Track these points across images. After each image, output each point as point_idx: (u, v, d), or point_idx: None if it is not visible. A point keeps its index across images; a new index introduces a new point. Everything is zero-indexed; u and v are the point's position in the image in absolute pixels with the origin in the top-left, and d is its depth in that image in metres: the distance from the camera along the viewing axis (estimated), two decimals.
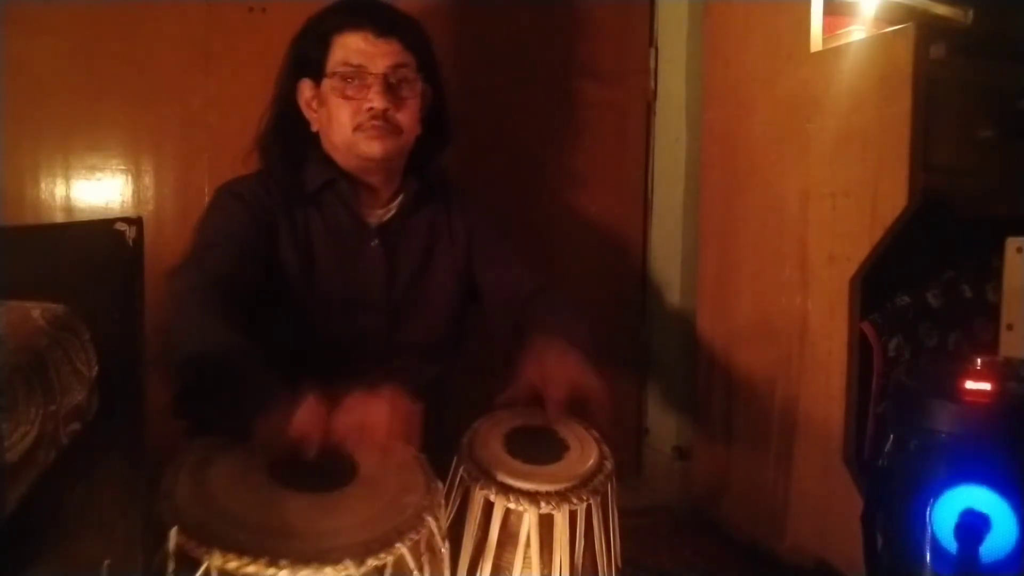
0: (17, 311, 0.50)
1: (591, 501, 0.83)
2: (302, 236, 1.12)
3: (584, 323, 1.12)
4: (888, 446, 0.92)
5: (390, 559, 0.62)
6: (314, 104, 1.14)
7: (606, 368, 0.98)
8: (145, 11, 1.44)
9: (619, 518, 0.89)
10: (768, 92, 1.45)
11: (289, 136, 1.16)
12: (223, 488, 0.65)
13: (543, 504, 0.80)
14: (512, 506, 0.80)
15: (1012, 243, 1.12)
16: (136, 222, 0.56)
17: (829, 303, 1.30)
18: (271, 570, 0.57)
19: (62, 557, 0.51)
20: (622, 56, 1.76)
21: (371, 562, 0.61)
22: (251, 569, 0.57)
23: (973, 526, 0.81)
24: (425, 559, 0.67)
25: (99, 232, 0.56)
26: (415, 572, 0.64)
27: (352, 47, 1.09)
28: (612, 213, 1.78)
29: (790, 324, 1.39)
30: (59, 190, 1.44)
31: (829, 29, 1.34)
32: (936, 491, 0.84)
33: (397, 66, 1.10)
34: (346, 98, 1.09)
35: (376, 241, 1.16)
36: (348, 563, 0.59)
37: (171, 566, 0.58)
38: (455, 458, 0.87)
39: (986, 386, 0.85)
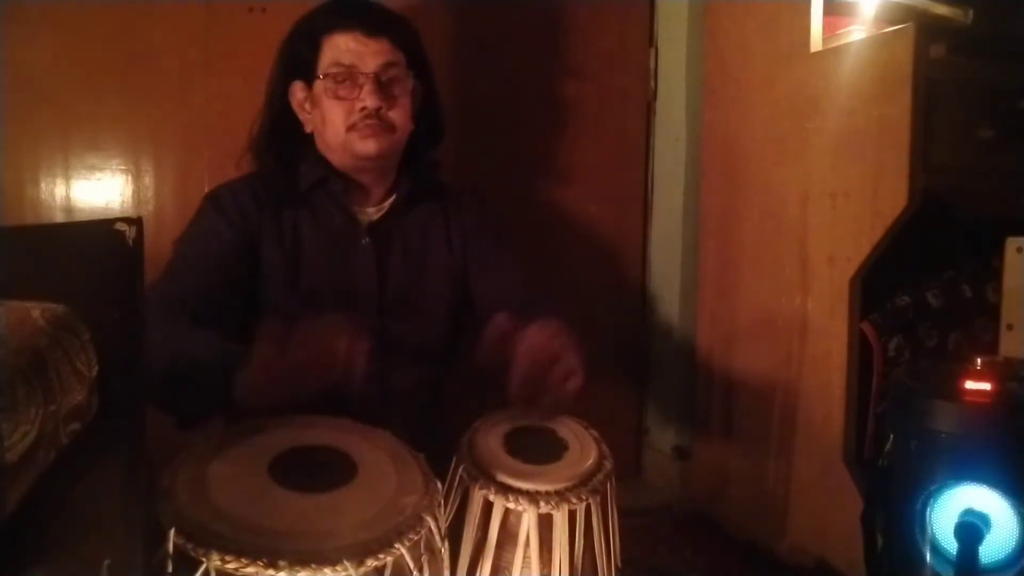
0: (17, 311, 0.50)
1: (590, 501, 0.83)
2: (289, 235, 1.13)
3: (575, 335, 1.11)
4: (888, 446, 0.92)
5: (389, 559, 0.62)
6: (307, 106, 1.15)
7: (603, 379, 0.97)
8: (145, 11, 1.44)
9: (619, 518, 0.89)
10: (768, 92, 1.45)
11: (283, 138, 1.17)
12: (222, 488, 0.65)
13: (542, 504, 0.80)
14: (511, 506, 0.80)
15: (1012, 243, 1.12)
16: (136, 222, 0.56)
17: (829, 303, 1.30)
18: (270, 571, 0.57)
19: (62, 557, 0.51)
20: (622, 56, 1.76)
21: (370, 562, 0.61)
22: (250, 570, 0.57)
23: (973, 526, 0.81)
24: (424, 559, 0.67)
25: (99, 232, 0.56)
26: (414, 572, 0.64)
27: (342, 47, 1.09)
28: (612, 213, 1.78)
29: (790, 324, 1.39)
30: (59, 190, 1.44)
31: (829, 29, 1.34)
32: (936, 491, 0.84)
33: (388, 65, 1.10)
34: (338, 98, 1.10)
35: (367, 239, 1.16)
36: (347, 563, 0.59)
37: (170, 567, 0.58)
38: (454, 458, 0.87)
39: (986, 386, 0.85)
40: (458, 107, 1.28)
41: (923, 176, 1.17)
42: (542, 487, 0.81)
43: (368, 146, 1.10)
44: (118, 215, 0.95)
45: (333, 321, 0.83)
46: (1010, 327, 1.12)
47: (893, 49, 1.19)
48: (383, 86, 1.10)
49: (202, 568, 0.58)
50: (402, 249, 1.19)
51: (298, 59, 1.14)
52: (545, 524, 0.81)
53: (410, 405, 1.16)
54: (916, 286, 1.36)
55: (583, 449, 0.89)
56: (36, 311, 0.51)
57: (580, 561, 0.83)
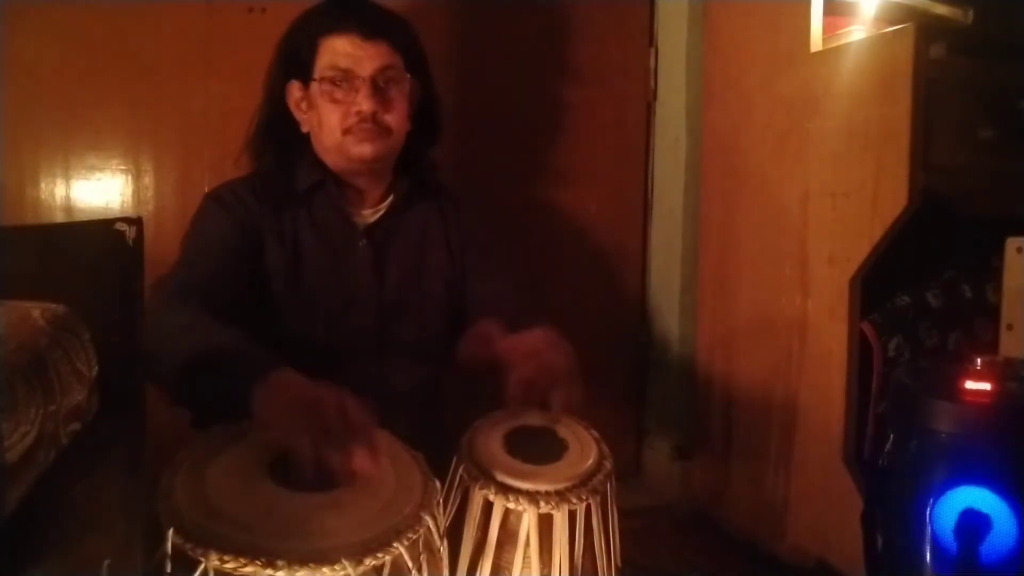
0: (17, 311, 0.51)
1: (590, 501, 0.83)
2: (289, 237, 1.13)
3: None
4: (888, 446, 0.92)
5: (388, 559, 0.62)
6: (303, 106, 1.14)
7: (603, 380, 0.97)
8: (145, 11, 1.44)
9: (619, 518, 0.89)
10: (768, 92, 1.45)
11: (279, 138, 1.16)
12: (221, 488, 0.65)
13: (542, 504, 0.80)
14: (511, 506, 0.80)
15: (1012, 243, 1.12)
16: (136, 222, 0.56)
17: (829, 303, 1.30)
18: (268, 570, 0.57)
19: (62, 557, 0.51)
20: (622, 56, 1.76)
21: (369, 562, 0.61)
22: (248, 570, 0.57)
23: (973, 526, 0.81)
24: (423, 559, 0.67)
25: (99, 232, 0.56)
26: (413, 572, 0.64)
27: (339, 51, 1.09)
28: (612, 213, 1.78)
29: (790, 324, 1.39)
30: (59, 190, 1.44)
31: (829, 29, 1.34)
32: (936, 491, 0.84)
33: (385, 68, 1.10)
34: (335, 102, 1.09)
35: (364, 241, 1.16)
36: (345, 563, 0.59)
37: (169, 567, 0.58)
38: (454, 458, 0.87)
39: (986, 386, 0.85)
40: (457, 107, 1.28)
41: (923, 176, 1.17)
42: (542, 487, 0.81)
43: (364, 150, 1.10)
44: (118, 215, 0.95)
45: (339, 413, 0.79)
46: (1010, 327, 1.12)
47: (893, 49, 1.19)
48: (380, 90, 1.10)
49: (201, 568, 0.58)
50: (399, 251, 1.19)
51: (295, 59, 1.13)
52: (545, 524, 0.81)
53: (409, 405, 1.16)
54: (916, 286, 1.36)
55: (583, 449, 0.89)
56: (36, 311, 0.51)
57: (580, 561, 0.83)
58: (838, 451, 1.27)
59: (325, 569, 0.58)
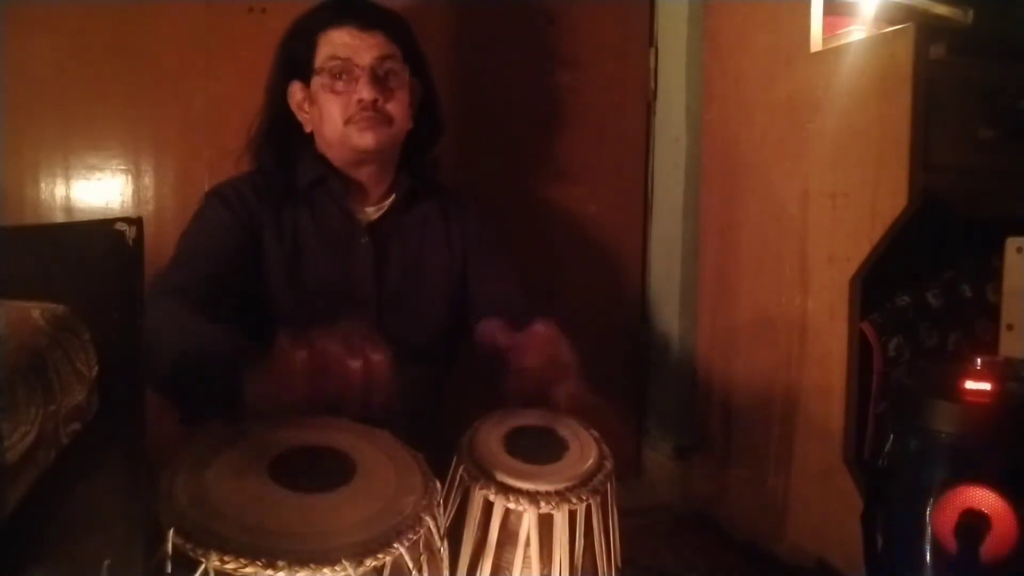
0: (17, 311, 0.50)
1: (591, 501, 0.83)
2: (289, 233, 1.13)
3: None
4: (888, 446, 0.92)
5: (388, 559, 0.62)
6: (306, 106, 1.15)
7: (603, 380, 0.97)
8: (145, 11, 1.44)
9: (619, 518, 0.88)
10: (768, 92, 1.45)
11: (282, 138, 1.17)
12: (221, 488, 0.65)
13: (543, 504, 0.80)
14: (512, 506, 0.80)
15: (1012, 243, 1.12)
16: (136, 222, 0.56)
17: (829, 303, 1.30)
18: (268, 571, 0.57)
19: (62, 557, 0.51)
20: (622, 56, 1.76)
21: (369, 562, 0.61)
22: (249, 570, 0.57)
23: (973, 526, 0.81)
24: (423, 559, 0.67)
25: (99, 232, 0.56)
26: (413, 572, 0.64)
27: (337, 42, 1.10)
28: (612, 213, 1.78)
29: (790, 324, 1.39)
30: (59, 190, 1.44)
31: (829, 29, 1.34)
32: (936, 491, 0.84)
33: (383, 57, 1.11)
34: (335, 93, 1.10)
35: (365, 238, 1.16)
36: (346, 563, 0.59)
37: (169, 567, 0.58)
38: (454, 458, 0.87)
39: (986, 386, 0.85)
40: (457, 107, 1.28)
41: (923, 176, 1.17)
42: (542, 487, 0.81)
43: (366, 138, 1.11)
44: (118, 215, 0.95)
45: (350, 335, 0.82)
46: (1010, 327, 1.12)
47: (893, 49, 1.19)
48: (379, 79, 1.11)
49: (201, 568, 0.58)
50: (400, 249, 1.19)
51: (295, 58, 1.14)
52: (545, 524, 0.81)
53: (409, 405, 1.16)
54: (916, 286, 1.36)
55: (583, 449, 0.89)
56: (36, 311, 0.51)
57: (580, 561, 0.83)
58: (838, 451, 1.27)
59: (326, 569, 0.58)
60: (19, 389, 0.45)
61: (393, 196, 1.19)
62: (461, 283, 1.24)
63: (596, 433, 0.94)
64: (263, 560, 0.58)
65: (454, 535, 0.82)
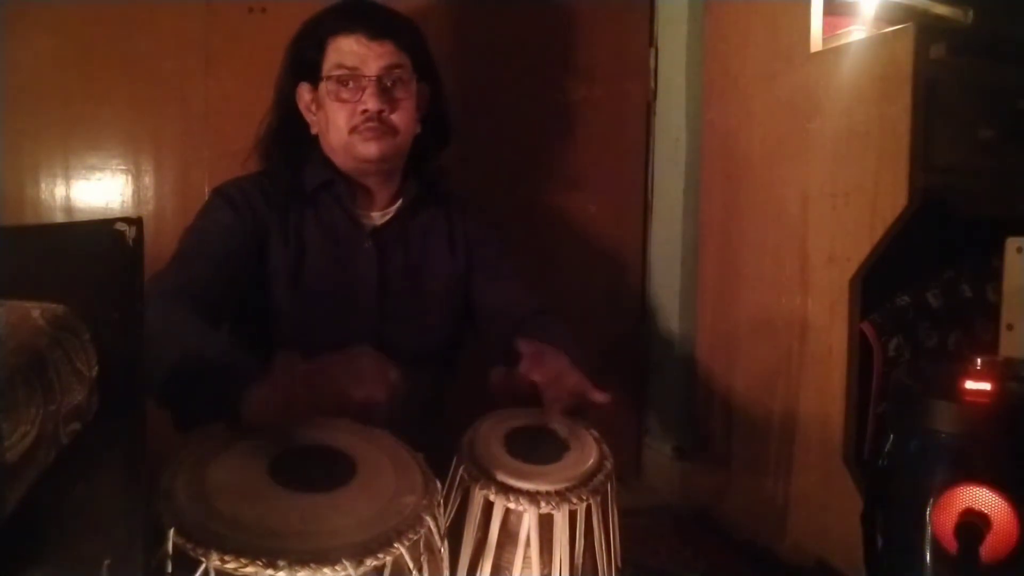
0: (17, 311, 0.50)
1: (591, 501, 0.83)
2: (294, 235, 1.13)
3: (577, 346, 1.11)
4: (888, 446, 0.92)
5: (388, 559, 0.62)
6: (313, 107, 1.15)
7: (603, 380, 0.97)
8: (145, 11, 1.44)
9: (619, 518, 0.89)
10: (768, 92, 1.45)
11: (289, 139, 1.17)
12: (221, 488, 0.65)
13: (543, 504, 0.80)
14: (512, 506, 0.80)
15: (1012, 243, 1.12)
16: (136, 222, 0.56)
17: (829, 303, 1.30)
18: (269, 571, 0.57)
19: (62, 557, 0.51)
20: (622, 56, 1.76)
21: (369, 562, 0.61)
22: (249, 570, 0.57)
23: (973, 526, 0.81)
24: (424, 559, 0.67)
25: (99, 232, 0.56)
26: (413, 572, 0.64)
27: (346, 50, 1.10)
28: (612, 213, 1.78)
29: (790, 324, 1.39)
30: (59, 190, 1.44)
31: (829, 29, 1.34)
32: (936, 491, 0.84)
33: (391, 67, 1.10)
34: (341, 101, 1.10)
35: (369, 243, 1.16)
36: (346, 563, 0.59)
37: (169, 567, 0.58)
38: (455, 458, 0.87)
39: (986, 386, 0.85)
40: (456, 107, 1.28)
41: (923, 176, 1.17)
42: (543, 487, 0.81)
43: (370, 149, 1.10)
44: (118, 215, 0.95)
45: (356, 359, 0.82)
46: (1010, 327, 1.12)
47: (893, 49, 1.19)
48: (386, 89, 1.10)
49: (201, 568, 0.58)
50: (404, 254, 1.18)
51: (304, 60, 1.14)
52: (546, 524, 0.81)
53: (409, 408, 1.16)
54: (916, 286, 1.36)
55: (583, 449, 0.89)
56: (36, 311, 0.51)
57: (580, 561, 0.83)
58: (838, 451, 1.27)
59: (326, 569, 0.58)
60: (19, 389, 0.45)
61: (399, 202, 1.19)
62: (464, 288, 1.23)
63: (596, 433, 0.94)
64: (263, 560, 0.58)
65: (454, 535, 0.82)
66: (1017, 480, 0.81)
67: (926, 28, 1.17)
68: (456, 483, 0.85)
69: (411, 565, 0.64)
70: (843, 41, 1.31)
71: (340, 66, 1.10)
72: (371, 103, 1.09)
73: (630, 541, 0.91)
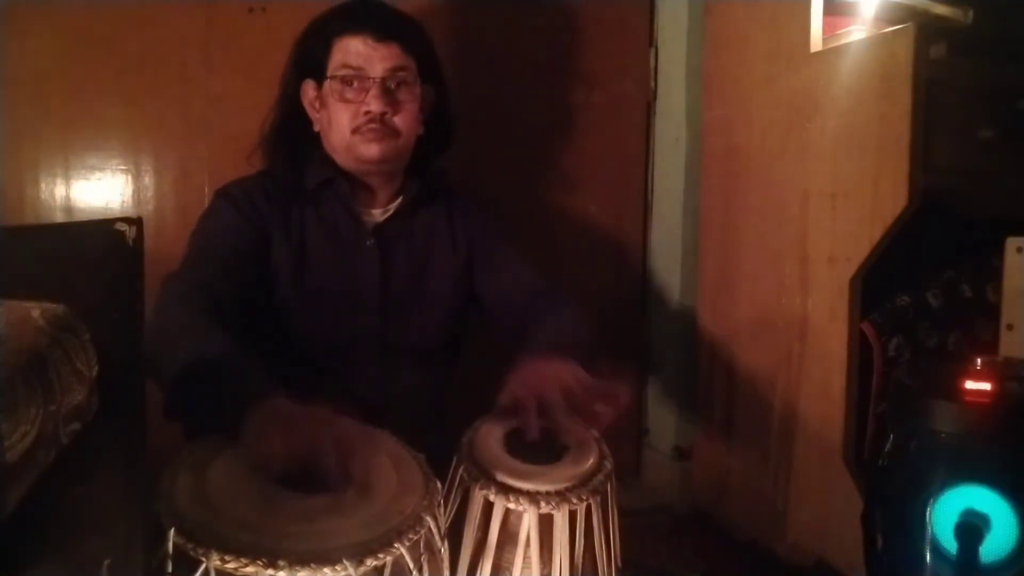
0: (17, 311, 0.50)
1: (591, 501, 0.83)
2: (296, 234, 1.13)
3: (587, 325, 1.12)
4: (888, 446, 0.92)
5: (389, 559, 0.62)
6: (317, 105, 1.15)
7: (607, 366, 0.97)
8: (145, 11, 1.44)
9: (619, 518, 0.89)
10: (768, 92, 1.45)
11: (293, 136, 1.17)
12: (222, 488, 0.65)
13: (543, 504, 0.80)
14: (512, 506, 0.80)
15: (1012, 243, 1.12)
16: (136, 222, 0.56)
17: (829, 303, 1.30)
18: (269, 570, 0.57)
19: (62, 557, 0.51)
20: (622, 56, 1.76)
21: (370, 562, 0.61)
22: (249, 570, 0.57)
23: (973, 526, 0.81)
24: (424, 559, 0.67)
25: (99, 232, 0.56)
26: (414, 572, 0.64)
27: (351, 50, 1.10)
28: (612, 213, 1.78)
29: (790, 324, 1.39)
30: (59, 190, 1.44)
31: (829, 29, 1.34)
32: (936, 491, 0.84)
33: (396, 69, 1.11)
34: (345, 101, 1.10)
35: (372, 241, 1.16)
36: (346, 563, 0.59)
37: (170, 566, 0.58)
38: (455, 458, 0.87)
39: (986, 386, 0.85)
40: (459, 108, 1.28)
41: (923, 176, 1.17)
42: (543, 487, 0.81)
43: (371, 150, 1.11)
44: (118, 215, 0.95)
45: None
46: (1010, 327, 1.12)
47: (893, 49, 1.19)
48: (389, 91, 1.10)
49: (202, 568, 0.58)
50: (406, 252, 1.19)
51: (310, 58, 1.14)
52: (546, 524, 0.81)
53: (411, 406, 1.16)
54: (916, 286, 1.36)
55: (583, 449, 0.89)
56: (36, 311, 0.51)
57: (580, 561, 0.83)
58: (838, 451, 1.27)
59: (326, 569, 0.58)
60: (19, 389, 0.45)
61: (400, 199, 1.19)
62: (466, 284, 1.24)
63: (596, 433, 0.94)
64: (264, 560, 0.58)
65: (454, 535, 0.82)
66: (1017, 480, 0.81)
67: (926, 28, 1.17)
68: (456, 483, 0.85)
69: (411, 565, 0.64)
70: (843, 41, 1.31)
71: (345, 66, 1.10)
72: (374, 105, 1.09)
73: (630, 541, 0.91)
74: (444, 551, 0.72)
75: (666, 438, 1.77)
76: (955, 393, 0.85)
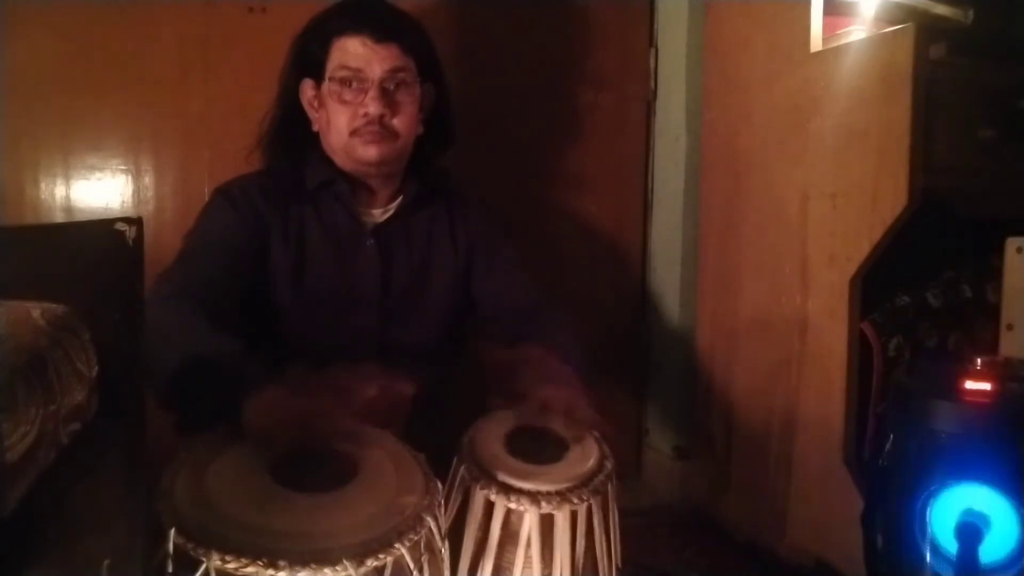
0: (17, 311, 0.50)
1: (592, 501, 0.83)
2: (295, 234, 1.13)
3: (581, 343, 1.11)
4: (888, 446, 0.92)
5: (389, 559, 0.62)
6: (315, 104, 1.15)
7: (603, 379, 0.97)
8: (145, 11, 1.44)
9: (619, 518, 0.89)
10: (768, 92, 1.45)
11: (292, 134, 1.17)
12: (222, 488, 0.65)
13: (544, 504, 0.80)
14: (513, 506, 0.80)
15: (1012, 243, 1.12)
16: (136, 222, 0.56)
17: (829, 303, 1.30)
18: (269, 571, 0.57)
19: (62, 557, 0.51)
20: (622, 56, 1.76)
21: (370, 562, 0.61)
22: (250, 570, 0.57)
23: (973, 526, 0.81)
24: (424, 559, 0.67)
25: (99, 232, 0.56)
26: (414, 572, 0.64)
27: (350, 51, 1.09)
28: (612, 213, 1.78)
29: (790, 324, 1.39)
30: (59, 190, 1.44)
31: (829, 29, 1.34)
32: (936, 491, 0.85)
33: (395, 70, 1.10)
34: (344, 102, 1.10)
35: (371, 241, 1.16)
36: (347, 563, 0.59)
37: (170, 567, 0.58)
38: (455, 458, 0.87)
39: (986, 386, 0.85)
40: (456, 107, 1.28)
41: (923, 176, 1.17)
42: (543, 487, 0.81)
43: (369, 152, 1.10)
44: (118, 215, 0.95)
45: (363, 368, 0.82)
46: (1010, 327, 1.12)
47: (893, 49, 1.19)
48: (388, 93, 1.10)
49: (202, 568, 0.58)
50: (406, 252, 1.18)
51: (309, 57, 1.14)
52: (546, 524, 0.81)
53: (411, 407, 1.16)
54: (916, 286, 1.36)
55: (584, 449, 0.89)
56: (36, 311, 0.51)
57: (581, 561, 0.83)
58: (838, 451, 1.27)
59: (327, 570, 0.58)
60: (19, 389, 0.45)
61: (400, 199, 1.19)
62: (466, 284, 1.23)
63: (596, 433, 0.94)
64: (264, 560, 0.58)
65: (455, 535, 0.82)
66: (1017, 480, 0.81)
67: (926, 28, 1.17)
68: (457, 483, 0.85)
69: (412, 565, 0.64)
70: (843, 41, 1.31)
71: (344, 67, 1.09)
72: (373, 107, 1.08)
73: (630, 541, 0.91)
74: (445, 551, 0.72)
75: (666, 438, 1.77)
76: (955, 393, 0.85)
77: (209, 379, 0.81)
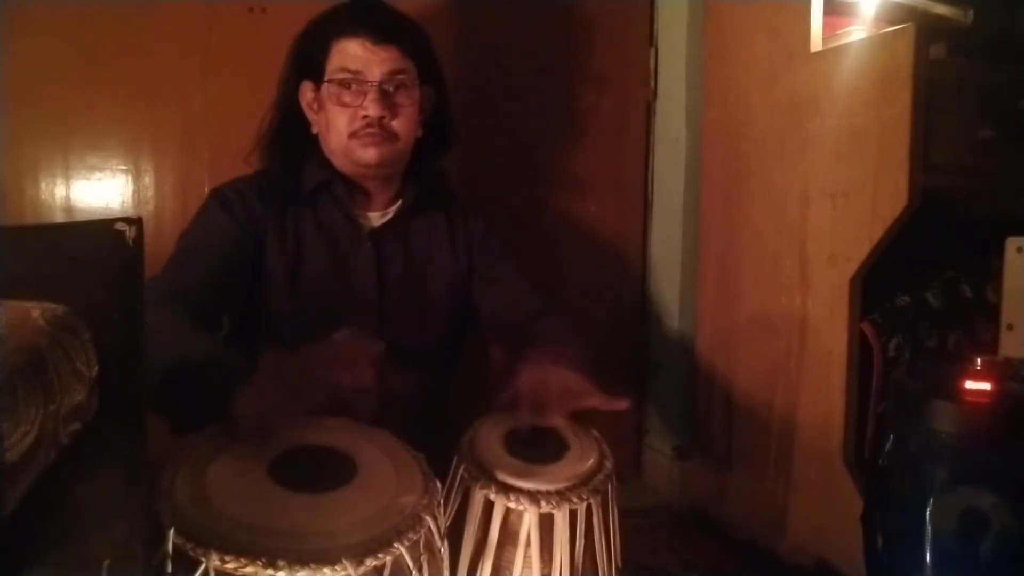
0: (17, 311, 0.50)
1: (591, 501, 0.83)
2: (292, 236, 1.13)
3: (581, 343, 1.11)
4: (888, 446, 0.92)
5: (388, 559, 0.62)
6: (315, 106, 1.15)
7: (603, 380, 0.97)
8: (145, 11, 1.44)
9: (619, 518, 0.89)
10: (768, 92, 1.45)
11: (290, 136, 1.17)
12: (221, 488, 0.65)
13: (543, 503, 0.80)
14: (512, 505, 0.80)
15: (1012, 243, 1.12)
16: (136, 222, 0.56)
17: (829, 303, 1.30)
18: (269, 571, 0.57)
19: (62, 557, 0.51)
20: (622, 56, 1.76)
21: (369, 562, 0.61)
22: (249, 570, 0.57)
23: (973, 526, 0.81)
24: (424, 559, 0.67)
25: (99, 232, 0.56)
26: (413, 572, 0.64)
27: (350, 53, 1.09)
28: (612, 213, 1.78)
29: (790, 324, 1.39)
30: (59, 190, 1.44)
31: (829, 29, 1.34)
32: (936, 491, 0.84)
33: (394, 73, 1.10)
34: (343, 105, 1.10)
35: (368, 244, 1.16)
36: (346, 563, 0.59)
37: (169, 567, 0.58)
38: (455, 457, 0.87)
39: (986, 386, 0.85)
40: (458, 109, 1.28)
41: (923, 176, 1.17)
42: (543, 487, 0.81)
43: (368, 154, 1.10)
44: (118, 215, 0.95)
45: (339, 341, 0.82)
46: (1010, 327, 1.12)
47: (893, 49, 1.19)
48: (388, 95, 1.10)
49: (201, 568, 0.58)
50: (404, 255, 1.18)
51: (308, 59, 1.13)
52: (546, 524, 0.81)
53: (409, 409, 1.16)
54: (916, 286, 1.36)
55: (584, 449, 0.89)
56: (36, 311, 0.51)
57: (580, 561, 0.83)
58: (838, 451, 1.27)
59: (326, 569, 0.58)
60: (19, 389, 0.45)
61: (399, 202, 1.19)
62: (465, 290, 1.23)
63: (596, 433, 0.94)
64: (263, 560, 0.58)
65: (454, 535, 0.82)
66: (1017, 480, 0.81)
67: (926, 28, 1.17)
68: (456, 483, 0.85)
69: (411, 565, 0.64)
70: (843, 41, 1.31)
71: (343, 69, 1.09)
72: (372, 109, 1.08)
73: (630, 541, 0.91)
74: (444, 551, 0.72)
75: (666, 438, 1.77)
76: (955, 393, 0.85)
77: (193, 380, 0.81)
